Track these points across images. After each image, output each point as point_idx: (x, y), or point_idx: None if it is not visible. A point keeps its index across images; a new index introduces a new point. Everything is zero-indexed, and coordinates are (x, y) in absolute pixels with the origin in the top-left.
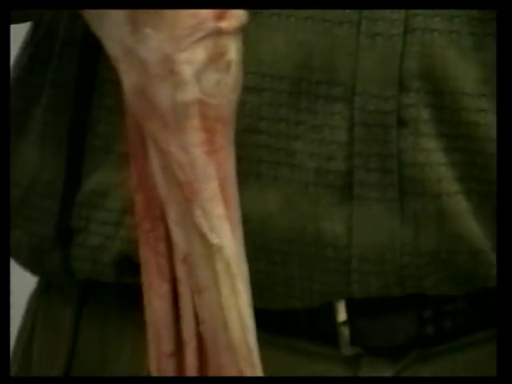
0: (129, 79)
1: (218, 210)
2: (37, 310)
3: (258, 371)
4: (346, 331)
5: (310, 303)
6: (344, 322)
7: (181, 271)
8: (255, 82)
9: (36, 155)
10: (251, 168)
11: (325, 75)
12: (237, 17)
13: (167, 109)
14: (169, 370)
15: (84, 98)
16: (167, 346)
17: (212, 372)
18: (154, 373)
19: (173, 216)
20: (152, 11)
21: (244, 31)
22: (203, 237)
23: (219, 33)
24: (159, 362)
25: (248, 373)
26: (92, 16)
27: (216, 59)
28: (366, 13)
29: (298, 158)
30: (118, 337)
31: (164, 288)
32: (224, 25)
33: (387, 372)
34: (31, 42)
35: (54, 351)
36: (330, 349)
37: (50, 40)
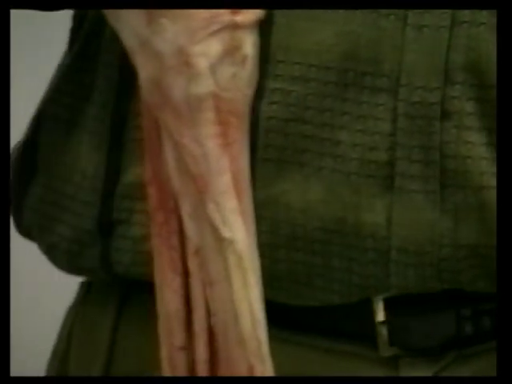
0: (144, 71)
1: (230, 203)
2: (74, 321)
3: (267, 365)
4: (384, 331)
5: (348, 298)
6: (382, 322)
7: (193, 264)
8: (302, 71)
9: (86, 151)
10: (295, 157)
11: (370, 66)
12: (253, 11)
13: (181, 101)
14: (180, 364)
15: (124, 92)
16: (179, 339)
17: (222, 365)
18: (166, 366)
19: (186, 209)
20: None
21: (260, 25)
22: (215, 230)
23: (235, 26)
24: (170, 356)
25: (258, 367)
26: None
27: (231, 53)
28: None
29: (341, 148)
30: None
31: (176, 281)
32: (239, 18)
33: (426, 373)
34: (77, 39)
35: (92, 359)
36: (368, 350)
37: (97, 36)
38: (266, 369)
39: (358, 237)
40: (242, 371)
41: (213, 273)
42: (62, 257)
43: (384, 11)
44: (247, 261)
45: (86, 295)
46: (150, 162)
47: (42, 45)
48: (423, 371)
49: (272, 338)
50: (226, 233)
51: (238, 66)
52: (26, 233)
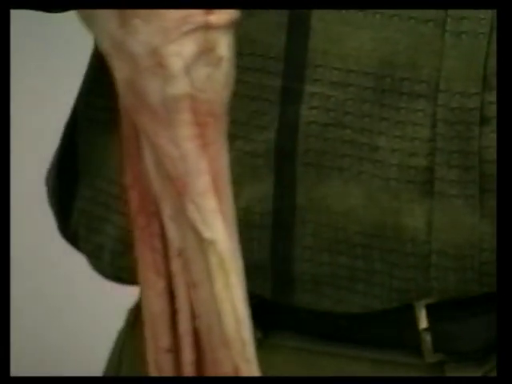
0: (120, 73)
1: (210, 204)
2: (123, 345)
3: (253, 366)
4: (428, 338)
5: (388, 303)
6: (426, 329)
7: (176, 266)
8: (340, 77)
9: None
10: (334, 162)
11: (409, 72)
12: (227, 12)
13: (157, 103)
14: (166, 366)
15: None
16: (164, 341)
17: (208, 367)
18: (152, 369)
19: (167, 211)
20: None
21: (236, 27)
22: (196, 231)
23: (208, 26)
24: (157, 358)
25: (243, 367)
26: (83, 12)
27: (206, 53)
28: (451, 11)
29: (380, 154)
30: None
31: (160, 284)
32: (213, 19)
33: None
34: None
35: None
36: (413, 357)
37: None
38: (252, 369)
39: (398, 241)
40: (227, 372)
41: (195, 274)
42: (107, 257)
43: (422, 17)
44: (228, 261)
45: (136, 316)
46: (129, 166)
47: (41, 45)
48: (469, 375)
49: (319, 352)
50: (206, 233)
51: (212, 67)
52: (71, 236)
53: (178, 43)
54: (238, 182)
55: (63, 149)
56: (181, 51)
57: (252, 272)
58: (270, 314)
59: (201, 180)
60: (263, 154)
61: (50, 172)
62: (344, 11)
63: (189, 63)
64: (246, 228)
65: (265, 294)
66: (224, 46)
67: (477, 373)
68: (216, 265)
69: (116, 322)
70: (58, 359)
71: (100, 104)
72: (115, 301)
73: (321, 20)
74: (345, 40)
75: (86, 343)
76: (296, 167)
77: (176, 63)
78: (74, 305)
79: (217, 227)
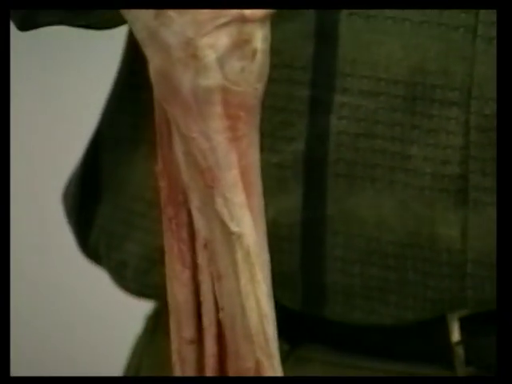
0: (153, 63)
1: (238, 198)
2: (143, 351)
3: (275, 361)
4: (460, 351)
5: (422, 314)
6: (459, 342)
7: (202, 258)
8: (370, 85)
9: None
10: (366, 172)
11: (440, 79)
12: None
13: (189, 94)
14: (189, 357)
15: None
16: (188, 332)
17: (230, 360)
18: (176, 360)
19: (195, 202)
20: None
21: (270, 19)
22: (223, 224)
23: (243, 20)
24: (180, 349)
25: (265, 362)
26: None
27: (240, 46)
28: (482, 17)
29: (413, 163)
30: None
31: (186, 274)
32: (248, 12)
33: None
34: (131, 58)
35: None
36: (443, 371)
37: None
38: (273, 364)
39: (432, 251)
40: (249, 366)
41: (221, 267)
42: (131, 274)
43: (453, 24)
44: (254, 256)
45: (155, 324)
46: (161, 156)
47: (42, 45)
48: None
49: (347, 365)
50: (233, 227)
51: (247, 60)
52: (92, 253)
53: (212, 36)
54: (264, 195)
55: (85, 167)
56: (214, 43)
57: (281, 284)
58: (298, 326)
59: (230, 173)
60: (291, 165)
61: (68, 190)
62: (372, 19)
63: (222, 56)
64: (275, 240)
65: (294, 306)
66: (259, 38)
67: None
68: (242, 258)
69: (116, 322)
70: (58, 359)
71: (125, 121)
72: (114, 301)
73: (349, 28)
74: (374, 48)
75: (86, 343)
76: (326, 178)
77: (209, 55)
78: (74, 305)
79: (244, 221)
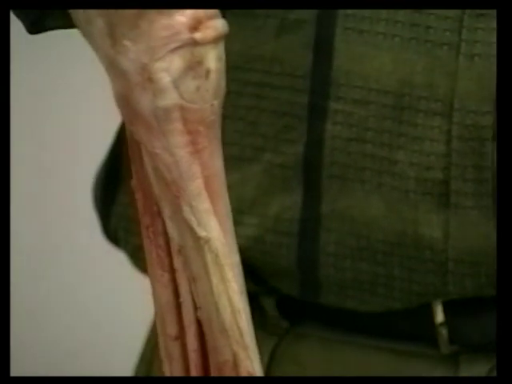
0: (115, 88)
1: (204, 205)
2: (156, 340)
3: (250, 352)
4: (444, 331)
5: (408, 304)
6: (442, 323)
7: (178, 262)
8: (362, 95)
9: None
10: (357, 175)
11: (425, 91)
12: (213, 28)
13: (150, 114)
14: (175, 353)
15: None
16: (172, 329)
17: (211, 354)
18: (163, 355)
19: (166, 212)
20: (129, 25)
21: (223, 39)
22: (192, 231)
23: (194, 43)
24: (166, 345)
25: (241, 353)
26: (84, 28)
27: (193, 67)
28: (465, 35)
29: (399, 167)
30: None
31: (165, 277)
32: (199, 36)
33: (484, 367)
34: None
35: None
36: (429, 349)
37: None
38: (249, 355)
39: (417, 249)
40: (227, 358)
41: (194, 270)
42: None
43: (438, 41)
44: (223, 257)
45: None
46: (134, 171)
47: (42, 45)
48: (482, 366)
49: (342, 341)
50: (201, 232)
51: (201, 79)
52: (112, 236)
53: (165, 60)
54: (268, 192)
55: (109, 161)
56: (168, 67)
57: (281, 275)
58: (297, 307)
59: (194, 183)
60: (293, 166)
61: (95, 182)
62: (365, 33)
63: (176, 77)
64: (275, 235)
65: (293, 294)
66: (212, 59)
67: (490, 363)
68: (211, 261)
69: (115, 321)
70: (58, 359)
71: None
72: (114, 300)
73: (344, 41)
74: (366, 61)
75: (86, 343)
76: (322, 179)
77: (164, 78)
78: (74, 304)
79: (211, 227)
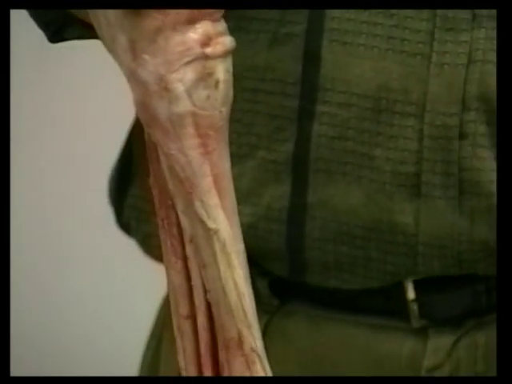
0: (135, 96)
1: (213, 200)
2: (165, 317)
3: (254, 330)
4: (415, 307)
5: (384, 282)
6: (413, 300)
7: (189, 250)
8: (345, 99)
9: None
10: (339, 168)
11: (401, 96)
12: (222, 44)
13: (166, 119)
14: (187, 330)
15: None
16: (184, 310)
17: (218, 332)
18: (176, 332)
19: (180, 206)
20: (148, 41)
21: (231, 54)
22: (202, 223)
23: (205, 57)
24: (178, 323)
25: (244, 331)
26: (109, 46)
27: (204, 78)
28: (436, 47)
29: (377, 162)
30: None
31: (179, 264)
32: (209, 50)
33: (451, 338)
34: None
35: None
36: (402, 323)
37: None
38: (253, 333)
39: (391, 234)
40: (232, 335)
41: (204, 257)
42: (155, 242)
43: (412, 52)
44: (230, 246)
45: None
46: (152, 169)
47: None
48: (448, 337)
49: (326, 317)
50: (210, 224)
51: (211, 89)
52: (125, 226)
53: (180, 72)
54: (261, 185)
55: (122, 157)
56: (182, 78)
57: (272, 258)
58: (286, 286)
59: (205, 181)
60: (283, 161)
61: (110, 176)
62: (348, 45)
63: (189, 87)
64: (267, 222)
65: (282, 274)
66: (221, 71)
67: (455, 335)
68: (219, 249)
69: (115, 321)
70: (58, 359)
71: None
72: (115, 301)
73: (330, 52)
74: (349, 69)
75: (86, 343)
76: (309, 173)
77: (178, 88)
78: (74, 304)
79: (219, 219)
